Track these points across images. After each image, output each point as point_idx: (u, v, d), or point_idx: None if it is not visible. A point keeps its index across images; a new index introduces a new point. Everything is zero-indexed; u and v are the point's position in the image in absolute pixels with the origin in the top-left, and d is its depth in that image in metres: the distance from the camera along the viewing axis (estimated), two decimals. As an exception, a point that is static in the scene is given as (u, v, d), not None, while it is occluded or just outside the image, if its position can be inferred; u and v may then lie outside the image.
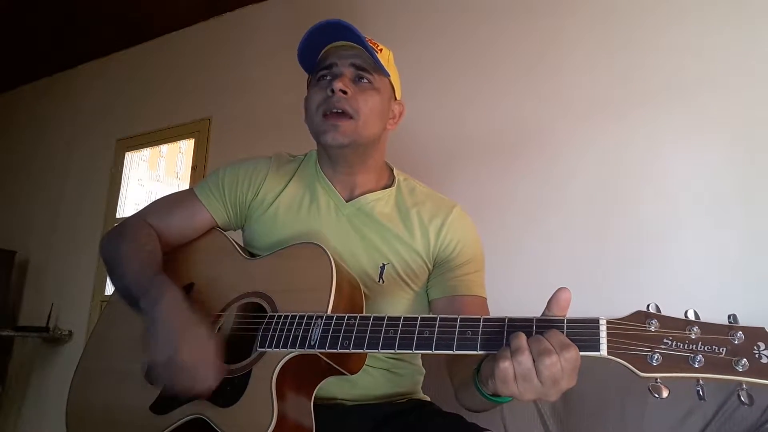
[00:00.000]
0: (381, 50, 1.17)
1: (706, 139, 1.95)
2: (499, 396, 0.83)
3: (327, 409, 1.06)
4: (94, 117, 3.88)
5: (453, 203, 1.22)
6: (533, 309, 0.76)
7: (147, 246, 1.14)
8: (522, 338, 0.74)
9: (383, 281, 1.13)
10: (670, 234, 1.93)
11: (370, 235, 1.16)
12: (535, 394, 0.73)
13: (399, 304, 1.15)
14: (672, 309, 0.72)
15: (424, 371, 1.26)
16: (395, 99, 1.23)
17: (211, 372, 0.93)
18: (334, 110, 1.11)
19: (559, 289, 0.77)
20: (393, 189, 1.22)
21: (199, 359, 0.92)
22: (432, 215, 1.18)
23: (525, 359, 0.72)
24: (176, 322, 0.95)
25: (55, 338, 3.43)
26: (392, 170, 1.28)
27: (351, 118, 1.11)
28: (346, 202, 1.19)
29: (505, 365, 0.73)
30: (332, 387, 1.08)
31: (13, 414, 3.53)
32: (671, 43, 2.07)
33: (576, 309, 0.75)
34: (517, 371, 0.72)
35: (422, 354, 1.23)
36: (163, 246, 1.17)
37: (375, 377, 1.13)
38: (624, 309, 0.73)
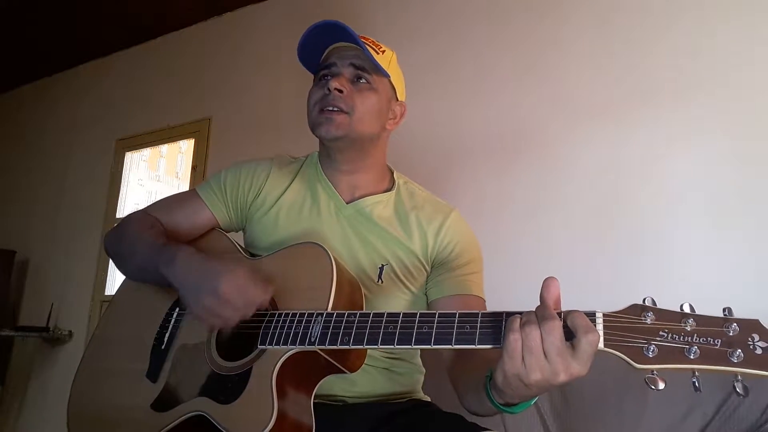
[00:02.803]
0: (383, 51, 1.19)
1: (705, 138, 1.95)
2: (509, 406, 0.83)
3: (327, 407, 1.07)
4: (94, 117, 3.89)
5: (451, 207, 1.23)
6: (532, 308, 0.76)
7: (153, 227, 1.17)
8: (533, 314, 0.74)
9: (382, 281, 1.14)
10: (670, 233, 1.94)
11: (369, 236, 1.17)
12: (541, 374, 0.72)
13: (397, 305, 1.16)
14: (670, 307, 0.72)
15: (424, 370, 1.26)
16: (396, 99, 1.24)
17: (259, 283, 0.94)
18: (329, 108, 1.13)
19: (546, 279, 0.78)
20: (393, 192, 1.24)
21: (242, 277, 0.93)
22: (430, 218, 1.19)
23: (533, 331, 0.72)
24: (201, 264, 0.98)
25: (55, 338, 3.43)
26: (393, 173, 1.29)
27: (346, 113, 1.13)
28: (347, 203, 1.20)
29: (514, 336, 0.73)
30: (333, 385, 1.08)
31: (13, 414, 3.53)
32: (671, 43, 2.08)
33: (576, 308, 0.75)
34: (525, 343, 0.72)
35: (422, 350, 1.24)
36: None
37: (375, 376, 1.14)
38: (623, 306, 0.73)
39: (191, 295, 0.95)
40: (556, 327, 0.71)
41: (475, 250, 1.20)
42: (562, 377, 0.72)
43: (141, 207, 1.29)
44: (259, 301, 0.94)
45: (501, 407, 0.84)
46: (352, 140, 1.15)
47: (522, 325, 0.73)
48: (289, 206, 1.21)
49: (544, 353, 0.71)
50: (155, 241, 1.10)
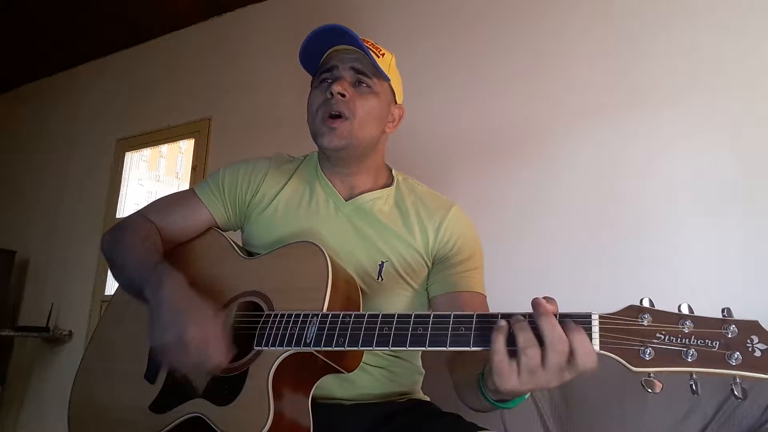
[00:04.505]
0: (383, 54, 1.19)
1: (705, 138, 1.94)
2: (503, 402, 0.84)
3: (326, 408, 1.06)
4: (94, 117, 3.89)
5: (452, 202, 1.23)
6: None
7: (148, 239, 1.16)
8: (528, 329, 0.74)
9: (382, 279, 1.13)
10: (669, 233, 1.93)
11: (369, 233, 1.16)
12: (534, 385, 0.73)
13: (398, 302, 1.15)
14: (670, 308, 0.71)
15: (424, 371, 1.26)
16: (395, 103, 1.24)
17: (221, 348, 0.92)
18: (332, 113, 1.13)
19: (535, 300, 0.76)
20: (392, 188, 1.23)
21: (209, 336, 0.91)
22: (431, 214, 1.19)
23: (533, 349, 0.72)
24: (181, 303, 0.96)
25: (55, 338, 3.43)
26: (391, 170, 1.29)
27: (347, 119, 1.13)
28: (346, 201, 1.20)
29: (499, 358, 0.73)
30: (331, 386, 1.08)
31: (13, 414, 3.53)
32: (670, 43, 2.07)
33: (574, 309, 0.75)
34: (524, 363, 0.72)
35: (419, 351, 1.24)
36: (162, 243, 1.18)
37: (374, 376, 1.14)
38: (621, 307, 0.73)
39: (157, 327, 0.94)
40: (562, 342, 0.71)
41: (476, 245, 1.20)
42: (555, 382, 0.73)
43: (140, 206, 1.28)
44: (214, 363, 0.92)
45: (495, 403, 0.85)
46: (353, 147, 1.15)
47: (523, 348, 0.72)
48: (286, 204, 1.21)
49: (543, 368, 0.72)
50: (147, 259, 1.09)
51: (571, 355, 0.71)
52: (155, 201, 1.29)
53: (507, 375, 0.73)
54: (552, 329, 0.72)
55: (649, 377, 0.67)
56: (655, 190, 1.99)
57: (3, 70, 4.17)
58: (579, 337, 0.71)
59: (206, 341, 0.91)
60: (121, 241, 1.16)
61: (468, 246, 1.18)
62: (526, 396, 0.83)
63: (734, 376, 0.64)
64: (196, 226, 1.23)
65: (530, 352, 0.71)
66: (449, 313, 0.82)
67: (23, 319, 3.68)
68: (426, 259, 1.17)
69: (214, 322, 0.94)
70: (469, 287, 1.14)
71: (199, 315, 0.94)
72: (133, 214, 1.25)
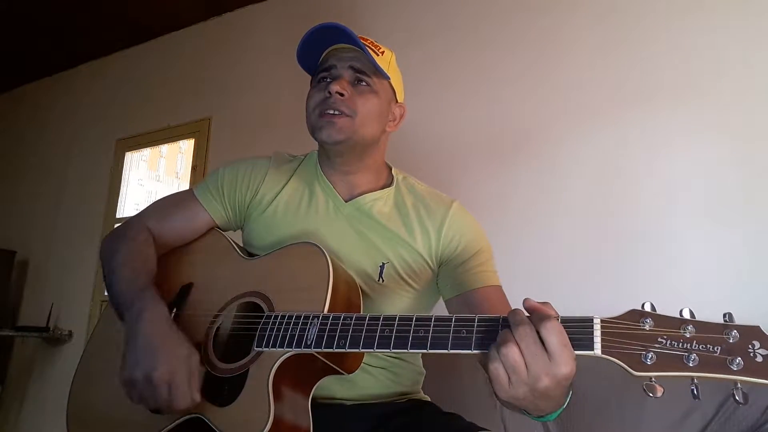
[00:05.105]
0: (383, 53, 1.17)
1: (705, 138, 1.94)
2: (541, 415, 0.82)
3: (327, 408, 1.06)
4: (94, 117, 3.89)
5: (451, 200, 1.21)
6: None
7: (141, 254, 1.14)
8: (507, 333, 0.73)
9: (383, 280, 1.12)
10: (670, 234, 1.93)
11: (370, 234, 1.15)
12: (526, 386, 0.71)
13: (400, 303, 1.15)
14: (671, 309, 0.71)
15: (425, 371, 1.26)
16: (396, 101, 1.23)
17: (187, 391, 0.91)
18: (331, 111, 1.11)
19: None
20: (392, 188, 1.22)
21: (177, 378, 0.90)
22: (431, 214, 1.17)
23: (512, 349, 0.71)
24: (156, 339, 0.94)
25: (55, 338, 3.43)
26: (391, 169, 1.28)
27: (348, 116, 1.12)
28: (345, 201, 1.19)
29: (495, 365, 0.72)
30: (332, 386, 1.08)
31: (13, 413, 3.53)
32: (670, 43, 2.07)
33: (575, 310, 0.75)
34: (506, 364, 0.71)
35: (421, 354, 1.24)
36: (161, 248, 1.18)
37: (375, 376, 1.13)
38: (623, 310, 0.72)
39: (129, 361, 0.93)
40: (529, 332, 0.71)
41: (482, 240, 1.18)
42: (546, 382, 0.70)
43: (140, 208, 1.28)
44: (181, 406, 0.91)
45: (535, 418, 0.84)
46: (353, 144, 1.14)
47: (499, 344, 0.72)
48: (287, 204, 1.20)
49: (526, 364, 0.70)
50: (134, 281, 1.07)
51: (543, 341, 0.70)
52: (154, 204, 1.28)
53: (503, 382, 0.72)
54: (515, 318, 0.72)
55: (651, 381, 0.67)
56: (656, 190, 1.99)
57: (3, 70, 4.17)
58: (545, 323, 0.70)
59: (174, 384, 0.90)
60: (115, 254, 1.14)
61: (473, 242, 1.16)
62: (564, 406, 0.81)
63: (736, 381, 0.64)
64: (196, 229, 1.23)
65: (504, 349, 0.71)
66: (450, 315, 0.81)
67: (23, 319, 3.68)
68: (429, 261, 1.15)
69: (186, 362, 0.92)
70: (483, 282, 1.11)
71: (172, 355, 0.92)
72: (131, 219, 1.24)
